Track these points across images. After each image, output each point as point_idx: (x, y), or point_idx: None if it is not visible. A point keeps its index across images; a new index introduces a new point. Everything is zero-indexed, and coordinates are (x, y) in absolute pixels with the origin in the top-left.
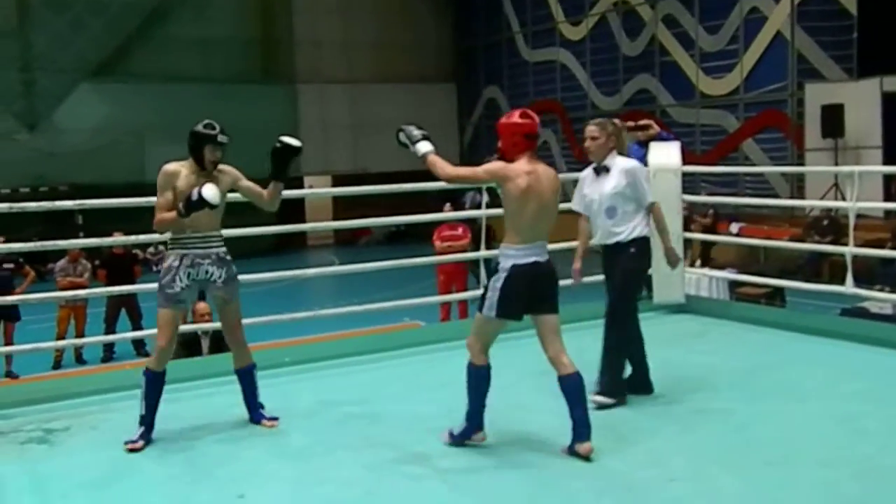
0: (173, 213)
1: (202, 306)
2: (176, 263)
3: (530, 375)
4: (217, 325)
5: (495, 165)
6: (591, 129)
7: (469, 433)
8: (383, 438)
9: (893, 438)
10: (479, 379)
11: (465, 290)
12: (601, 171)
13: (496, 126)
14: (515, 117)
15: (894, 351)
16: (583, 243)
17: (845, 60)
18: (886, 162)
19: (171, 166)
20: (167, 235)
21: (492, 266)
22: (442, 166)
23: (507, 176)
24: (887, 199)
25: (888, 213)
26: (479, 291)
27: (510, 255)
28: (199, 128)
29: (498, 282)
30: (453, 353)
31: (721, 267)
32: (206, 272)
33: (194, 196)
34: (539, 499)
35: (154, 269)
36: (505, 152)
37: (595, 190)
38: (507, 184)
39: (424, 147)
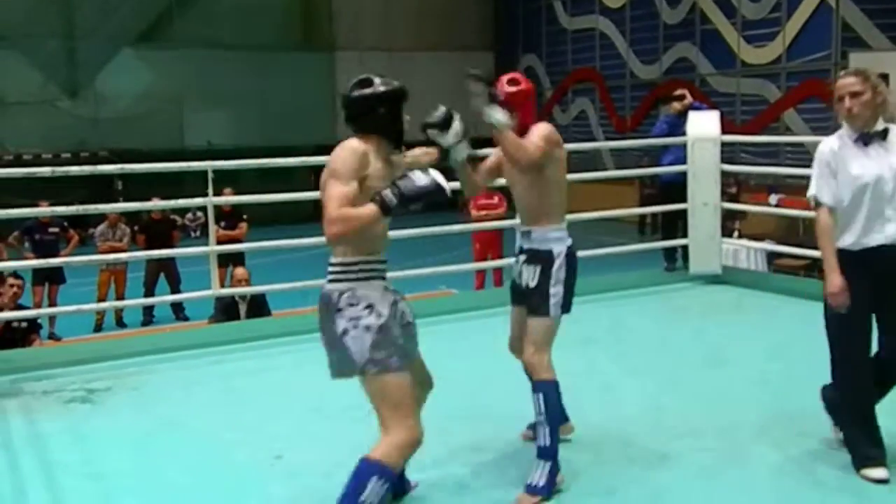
0: (373, 210)
1: (241, 271)
2: (379, 304)
3: None
4: (255, 289)
5: (548, 129)
6: (849, 80)
7: (555, 473)
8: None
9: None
10: (557, 395)
11: (501, 258)
12: (870, 139)
13: (507, 97)
14: (521, 83)
15: None
16: (833, 247)
17: (891, 29)
18: None
19: (360, 144)
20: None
21: (524, 255)
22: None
23: (559, 141)
24: None
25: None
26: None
27: (560, 239)
28: (381, 86)
29: (561, 272)
30: (488, 321)
31: (759, 238)
32: (407, 316)
33: (421, 182)
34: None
35: (193, 234)
36: (528, 121)
37: (869, 167)
38: (559, 151)
39: (499, 115)
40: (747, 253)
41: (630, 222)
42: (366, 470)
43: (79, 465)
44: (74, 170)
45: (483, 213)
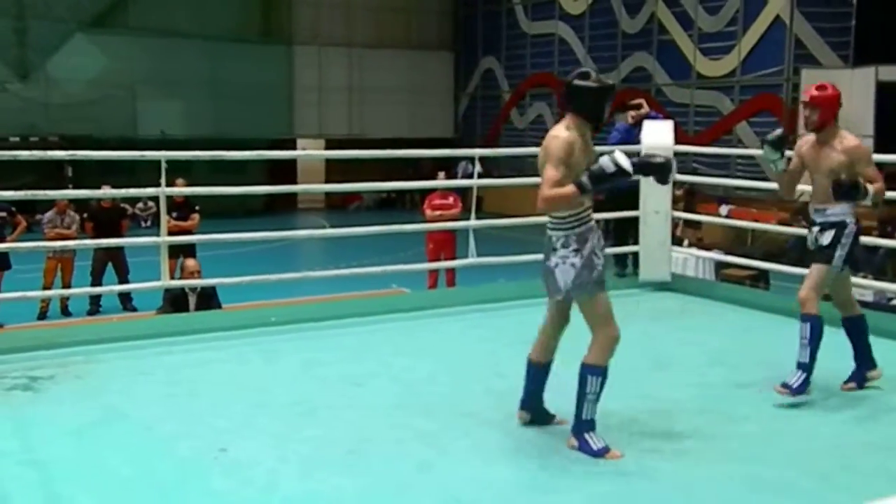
0: (572, 190)
1: (191, 263)
2: (592, 240)
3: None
4: (205, 282)
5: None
6: None
7: (807, 383)
8: (365, 400)
9: (861, 418)
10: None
11: (454, 258)
12: None
13: (812, 99)
14: (828, 89)
15: (873, 338)
16: None
17: (842, 48)
18: (877, 151)
19: (568, 133)
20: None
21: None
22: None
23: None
24: None
25: (876, 202)
26: (470, 261)
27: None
28: (591, 82)
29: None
30: (439, 321)
31: (708, 248)
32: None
33: (610, 168)
34: (521, 454)
35: (143, 224)
36: (828, 122)
37: None
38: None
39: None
40: (696, 262)
41: None
42: (584, 373)
43: (19, 453)
44: (24, 154)
45: (438, 213)
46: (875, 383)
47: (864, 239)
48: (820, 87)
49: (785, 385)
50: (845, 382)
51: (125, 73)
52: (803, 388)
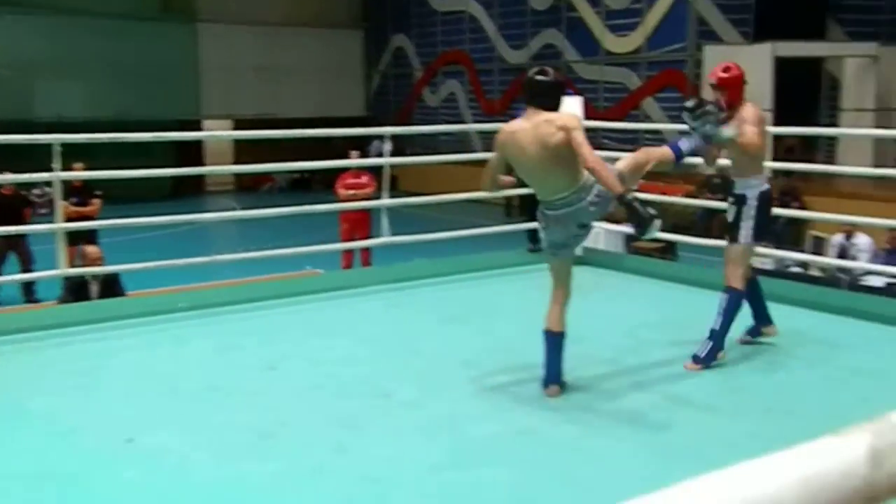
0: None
1: (93, 250)
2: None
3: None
4: (107, 269)
5: (755, 114)
6: None
7: (716, 351)
8: (280, 383)
9: (763, 380)
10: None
11: (369, 238)
12: None
13: (720, 81)
14: (733, 70)
15: (772, 303)
16: None
17: (742, 24)
18: (776, 124)
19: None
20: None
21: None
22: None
23: (764, 118)
24: (776, 160)
25: (776, 172)
26: (384, 240)
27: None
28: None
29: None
30: (354, 300)
31: (618, 222)
32: None
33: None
34: (438, 432)
35: (39, 211)
36: (736, 101)
37: None
38: (764, 126)
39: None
40: (606, 235)
41: (497, 204)
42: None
43: None
44: None
45: (352, 192)
46: (770, 339)
47: None
48: (725, 70)
49: (695, 358)
50: (743, 335)
51: (19, 54)
52: (711, 358)
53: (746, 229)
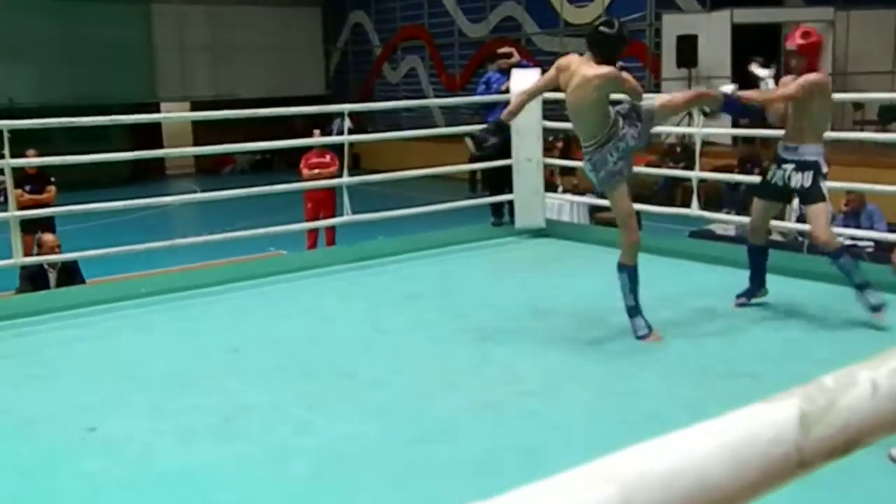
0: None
1: (50, 238)
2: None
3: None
4: (65, 256)
5: (810, 78)
6: None
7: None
8: (243, 366)
9: (726, 345)
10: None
11: (333, 216)
12: None
13: (800, 48)
14: (812, 36)
15: (735, 269)
16: None
17: None
18: None
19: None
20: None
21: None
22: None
23: (821, 83)
24: (735, 127)
25: (736, 140)
26: (347, 218)
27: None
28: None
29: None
30: (320, 280)
31: (581, 192)
32: None
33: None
34: (401, 409)
35: None
36: (814, 67)
37: None
38: (819, 90)
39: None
40: (570, 207)
41: (461, 179)
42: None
43: None
44: None
45: (315, 171)
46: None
47: (726, 176)
48: (804, 35)
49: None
50: (737, 297)
51: None
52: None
53: (825, 188)
